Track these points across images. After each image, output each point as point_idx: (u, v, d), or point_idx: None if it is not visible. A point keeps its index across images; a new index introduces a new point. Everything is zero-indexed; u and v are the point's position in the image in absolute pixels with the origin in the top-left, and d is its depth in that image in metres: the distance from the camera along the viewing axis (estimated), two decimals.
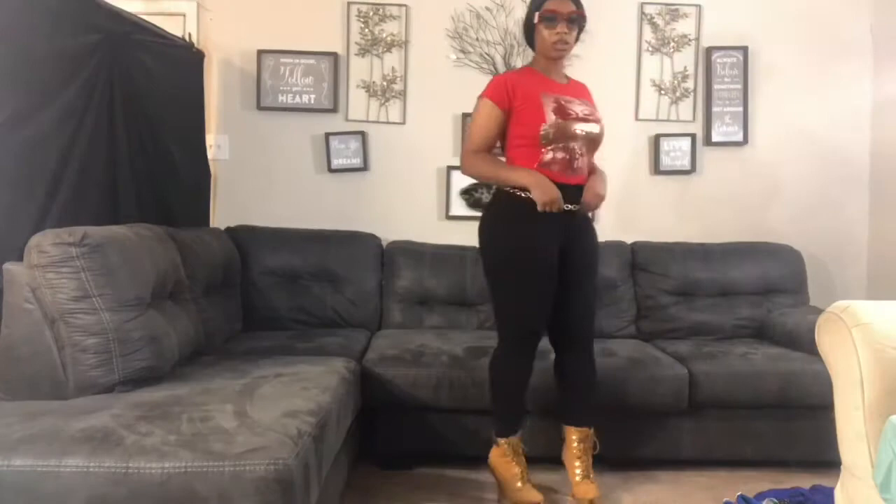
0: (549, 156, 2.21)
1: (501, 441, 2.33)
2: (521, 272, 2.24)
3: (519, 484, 2.29)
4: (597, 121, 2.32)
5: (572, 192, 2.24)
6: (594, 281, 2.43)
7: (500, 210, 2.30)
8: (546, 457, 2.61)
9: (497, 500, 2.39)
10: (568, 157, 2.23)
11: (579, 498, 2.31)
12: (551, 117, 2.19)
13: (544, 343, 2.80)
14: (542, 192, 2.15)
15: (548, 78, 2.31)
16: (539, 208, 2.16)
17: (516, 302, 2.27)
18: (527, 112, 2.22)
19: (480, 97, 2.28)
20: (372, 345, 2.82)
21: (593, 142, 2.31)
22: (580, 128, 2.24)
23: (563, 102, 2.23)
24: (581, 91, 2.39)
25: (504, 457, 2.32)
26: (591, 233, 2.42)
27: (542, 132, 2.19)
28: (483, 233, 2.34)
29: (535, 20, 2.26)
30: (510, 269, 2.25)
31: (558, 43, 2.23)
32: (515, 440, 2.34)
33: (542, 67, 2.33)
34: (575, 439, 2.36)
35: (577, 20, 2.25)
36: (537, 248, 2.23)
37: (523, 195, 2.19)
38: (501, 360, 2.35)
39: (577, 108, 2.26)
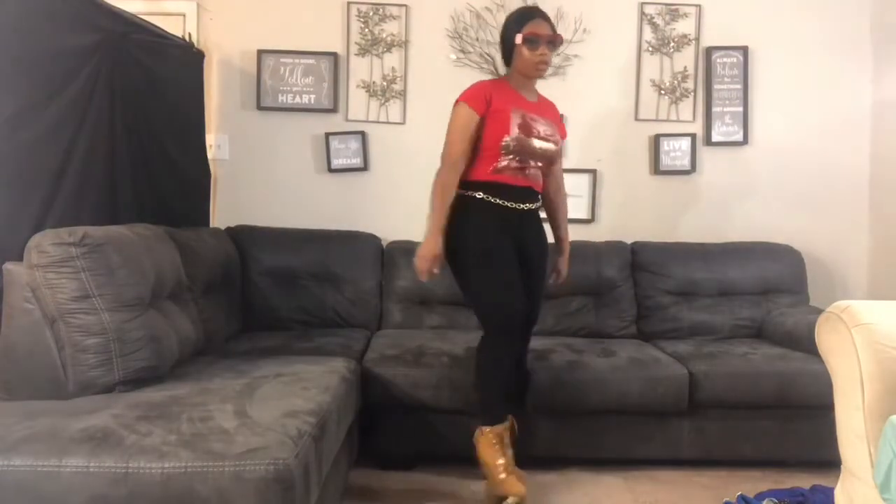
0: (504, 163, 2.35)
1: (488, 430, 2.28)
2: (496, 261, 2.33)
3: (503, 475, 2.23)
4: (556, 142, 2.46)
5: (523, 192, 2.40)
6: (545, 272, 2.55)
7: (466, 212, 2.38)
8: (548, 457, 2.63)
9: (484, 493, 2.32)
10: (522, 166, 2.38)
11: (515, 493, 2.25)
12: (515, 131, 2.34)
13: (543, 342, 2.84)
14: (419, 259, 2.33)
15: (519, 94, 2.43)
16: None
17: (495, 289, 2.32)
18: (495, 122, 2.33)
19: (458, 102, 2.35)
20: (372, 345, 2.82)
21: (549, 159, 2.47)
22: (539, 145, 2.39)
23: (528, 119, 2.39)
24: (548, 110, 2.51)
25: (492, 446, 2.26)
26: (540, 227, 2.52)
27: (503, 143, 2.33)
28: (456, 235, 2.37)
29: (518, 41, 2.34)
30: (487, 261, 2.33)
31: (540, 64, 2.36)
32: (501, 428, 2.30)
33: (517, 84, 2.43)
34: (511, 427, 2.36)
35: (555, 43, 2.38)
36: (500, 239, 2.35)
37: (478, 196, 2.35)
38: (490, 349, 2.34)
39: (541, 128, 2.40)
